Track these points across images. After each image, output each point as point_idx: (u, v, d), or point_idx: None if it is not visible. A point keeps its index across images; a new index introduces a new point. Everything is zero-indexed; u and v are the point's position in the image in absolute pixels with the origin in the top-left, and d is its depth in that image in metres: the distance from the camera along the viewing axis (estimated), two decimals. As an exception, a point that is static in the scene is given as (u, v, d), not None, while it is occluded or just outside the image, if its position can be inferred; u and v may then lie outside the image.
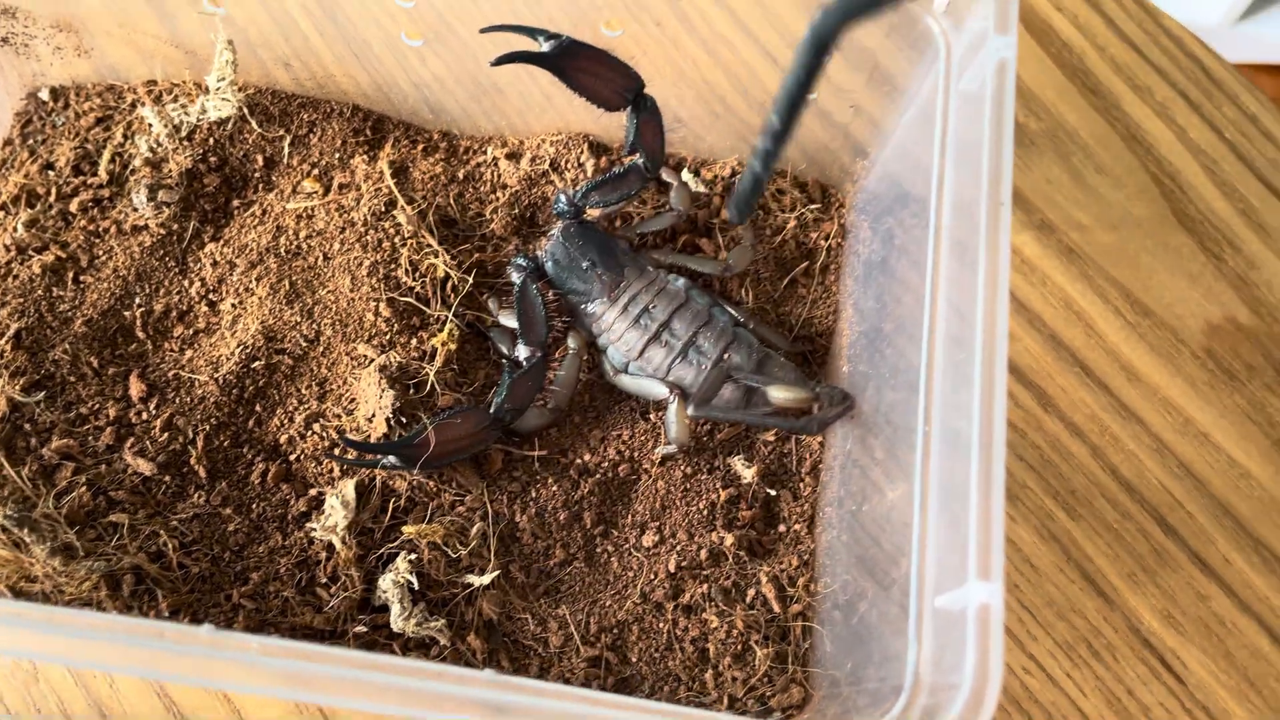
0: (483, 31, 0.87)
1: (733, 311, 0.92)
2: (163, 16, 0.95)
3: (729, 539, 0.87)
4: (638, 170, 0.92)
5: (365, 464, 0.84)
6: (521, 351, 0.87)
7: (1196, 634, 0.91)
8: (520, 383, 0.86)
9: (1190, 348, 1.00)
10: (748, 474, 0.90)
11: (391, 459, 0.83)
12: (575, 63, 0.87)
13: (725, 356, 0.89)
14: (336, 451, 0.86)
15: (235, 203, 0.96)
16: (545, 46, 0.86)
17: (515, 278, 0.91)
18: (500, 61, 0.86)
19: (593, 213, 0.94)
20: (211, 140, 0.96)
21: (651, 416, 0.92)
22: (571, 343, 0.92)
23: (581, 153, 0.98)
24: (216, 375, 0.88)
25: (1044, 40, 1.11)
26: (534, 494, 0.88)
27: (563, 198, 0.91)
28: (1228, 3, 2.20)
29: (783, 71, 0.90)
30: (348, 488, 0.82)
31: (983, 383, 0.63)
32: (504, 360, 0.91)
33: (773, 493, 0.90)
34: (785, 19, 0.90)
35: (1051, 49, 1.10)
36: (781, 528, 0.90)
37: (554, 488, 0.88)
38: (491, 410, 0.85)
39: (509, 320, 0.92)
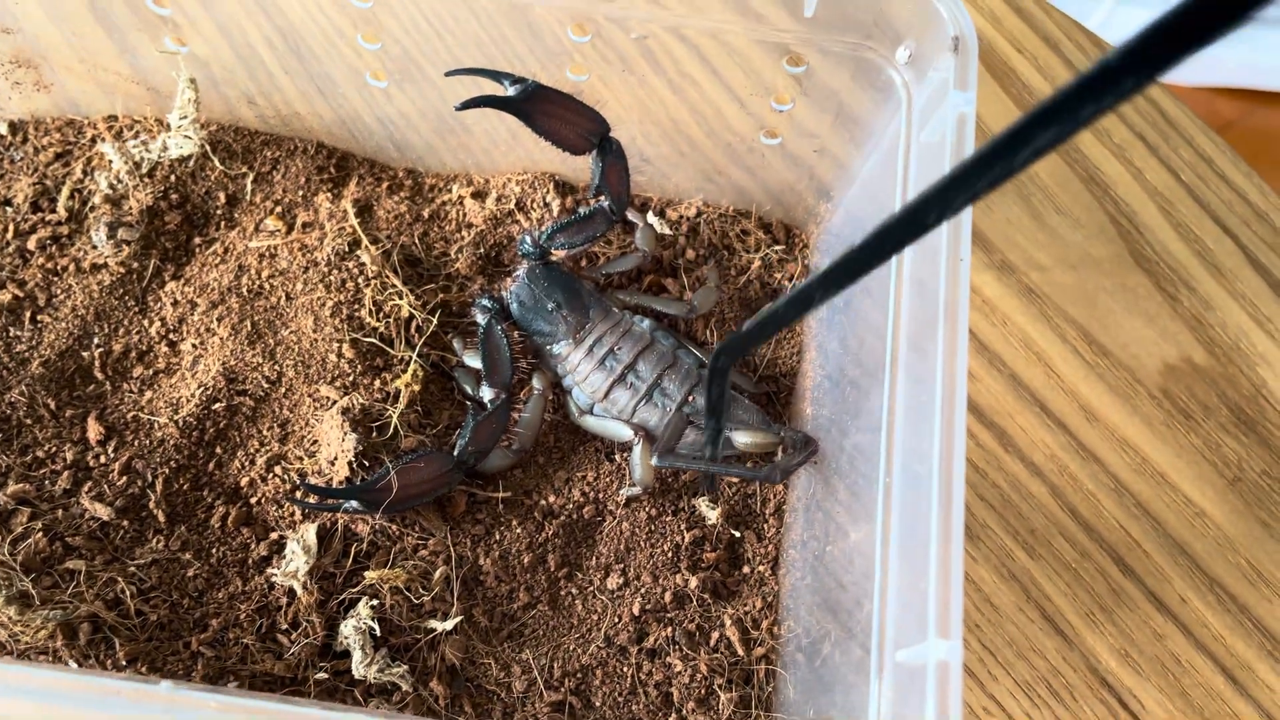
0: (449, 75, 0.88)
1: (698, 353, 0.92)
2: (125, 52, 0.94)
3: (693, 581, 0.87)
4: (603, 212, 0.92)
5: (327, 508, 0.83)
6: (486, 393, 0.87)
7: (1153, 673, 0.92)
8: (484, 425, 0.86)
9: (1147, 387, 1.01)
10: (712, 515, 0.90)
11: (354, 503, 0.82)
12: (541, 106, 0.87)
13: (690, 398, 0.89)
14: (298, 495, 0.85)
15: (197, 241, 0.95)
16: (511, 91, 0.87)
17: (480, 318, 0.91)
18: (466, 106, 0.86)
19: (558, 254, 0.94)
20: (173, 177, 0.95)
21: (616, 457, 0.92)
22: (536, 384, 0.92)
23: (547, 192, 0.98)
24: (176, 417, 0.87)
25: (1005, 82, 1.12)
26: (498, 536, 0.87)
27: (528, 239, 0.92)
28: (1188, 28, 2.24)
29: (747, 111, 0.91)
30: (309, 532, 0.82)
31: (942, 435, 0.64)
32: (468, 401, 0.91)
33: (737, 534, 0.91)
34: (750, 58, 0.90)
35: (1012, 90, 1.12)
36: (745, 569, 0.90)
37: (518, 529, 0.88)
38: (455, 453, 0.85)
39: (473, 361, 0.92)
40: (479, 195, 0.99)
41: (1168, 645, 0.93)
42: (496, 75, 0.87)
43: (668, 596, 0.87)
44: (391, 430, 0.87)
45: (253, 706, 0.59)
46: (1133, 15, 2.28)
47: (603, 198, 0.91)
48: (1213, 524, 0.97)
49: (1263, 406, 1.01)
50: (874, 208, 0.84)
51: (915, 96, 0.78)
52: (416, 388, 0.89)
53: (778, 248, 1.00)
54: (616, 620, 0.86)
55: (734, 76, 0.90)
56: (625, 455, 0.92)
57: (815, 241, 1.00)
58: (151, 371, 0.90)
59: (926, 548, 0.61)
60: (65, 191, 0.95)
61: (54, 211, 0.95)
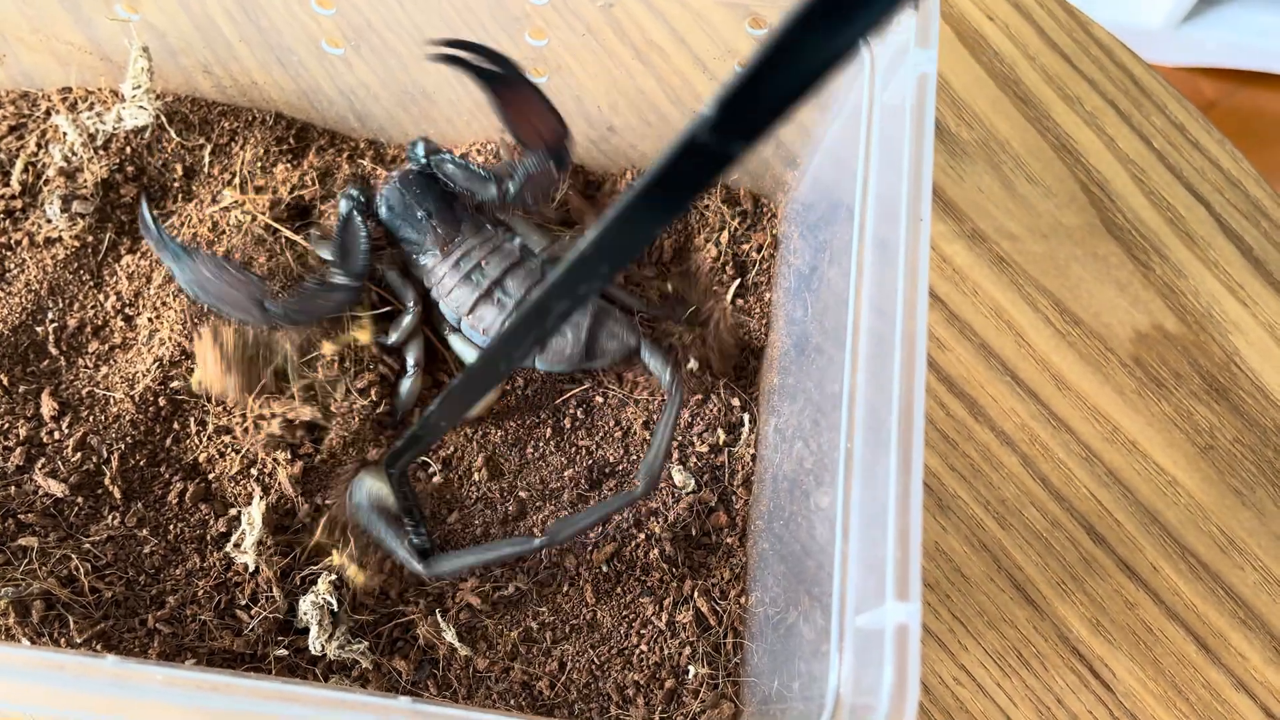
0: (431, 47, 0.85)
1: None
2: (79, 22, 0.92)
3: (668, 550, 0.86)
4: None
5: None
6: (336, 278, 0.85)
7: (1124, 642, 0.91)
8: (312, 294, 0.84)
9: (1118, 356, 1.01)
10: (691, 483, 0.89)
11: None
12: (512, 93, 0.86)
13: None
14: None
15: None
16: (493, 67, 0.84)
17: (343, 207, 0.89)
18: (440, 55, 0.83)
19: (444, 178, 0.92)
20: (129, 149, 0.93)
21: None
22: (409, 302, 0.90)
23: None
24: (132, 392, 0.86)
25: (976, 50, 1.11)
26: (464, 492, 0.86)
27: (420, 146, 0.90)
28: (1169, 6, 2.24)
29: (714, 80, 0.90)
30: (255, 507, 0.80)
31: (902, 396, 0.63)
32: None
33: (712, 504, 0.90)
34: (718, 25, 0.89)
35: (983, 59, 1.11)
36: (713, 539, 0.89)
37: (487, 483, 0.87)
38: (264, 303, 0.82)
39: (324, 250, 0.90)
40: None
41: (1139, 614, 0.92)
42: (484, 51, 0.85)
43: (638, 569, 0.86)
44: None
45: (199, 679, 0.58)
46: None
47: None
48: (1184, 492, 0.96)
49: (1235, 374, 1.01)
50: (839, 174, 0.83)
51: (877, 57, 0.76)
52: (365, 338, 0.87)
53: (740, 219, 0.98)
54: (588, 599, 0.85)
55: (697, 40, 0.89)
56: None
57: (783, 211, 0.99)
58: (107, 346, 0.89)
59: (885, 511, 0.60)
60: (19, 165, 0.93)
61: (7, 185, 0.93)
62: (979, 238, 1.04)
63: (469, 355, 0.91)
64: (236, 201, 0.92)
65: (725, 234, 0.98)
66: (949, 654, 0.90)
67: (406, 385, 0.89)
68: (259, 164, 0.95)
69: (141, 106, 0.91)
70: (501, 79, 0.85)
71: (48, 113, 0.96)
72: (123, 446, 0.84)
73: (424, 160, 0.90)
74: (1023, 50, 1.12)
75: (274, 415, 0.84)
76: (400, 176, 0.90)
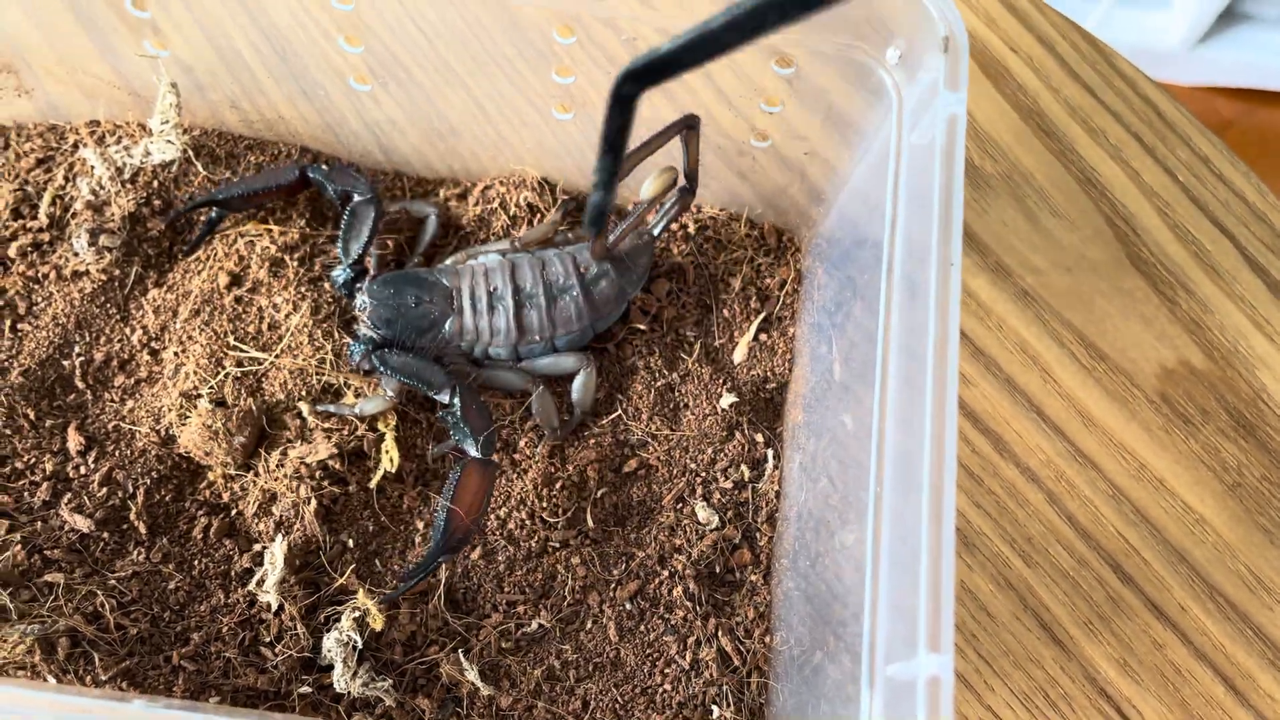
0: None
1: (554, 244, 0.96)
2: (106, 55, 0.93)
3: (692, 588, 0.86)
4: (366, 205, 0.91)
5: (420, 579, 0.82)
6: (442, 397, 0.85)
7: (1152, 683, 0.90)
8: (469, 414, 0.84)
9: (1145, 392, 1.00)
10: (715, 519, 0.89)
11: (443, 558, 0.81)
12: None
13: (584, 270, 0.91)
14: (393, 588, 0.84)
15: (180, 248, 0.94)
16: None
17: (371, 363, 0.88)
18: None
19: (368, 260, 0.93)
20: (156, 183, 0.94)
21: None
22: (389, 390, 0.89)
23: (527, 193, 0.96)
24: (158, 426, 0.86)
25: (1000, 83, 1.11)
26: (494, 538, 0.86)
27: (338, 274, 0.90)
28: (1185, 27, 2.23)
29: (737, 113, 0.90)
30: (277, 546, 0.80)
31: (933, 441, 0.63)
32: (440, 413, 0.88)
33: (735, 541, 0.89)
34: (739, 59, 0.88)
35: (1007, 91, 1.11)
36: (737, 576, 0.88)
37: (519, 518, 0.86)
38: (478, 452, 0.83)
39: (391, 390, 0.88)
40: (463, 197, 0.98)
41: (1167, 654, 0.91)
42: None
43: (661, 606, 0.86)
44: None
45: (227, 723, 0.58)
46: (1129, 15, 2.26)
47: (356, 193, 0.92)
48: (1212, 530, 0.95)
49: (1262, 410, 1.00)
50: (866, 210, 0.83)
51: (906, 97, 0.76)
52: (391, 466, 0.87)
53: (764, 253, 0.98)
54: (611, 637, 0.85)
55: (723, 78, 0.89)
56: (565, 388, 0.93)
57: (807, 245, 0.98)
58: (133, 380, 0.89)
59: (917, 559, 0.60)
60: (47, 198, 0.94)
61: (35, 218, 0.93)
62: (1003, 271, 1.03)
63: (553, 369, 0.92)
64: (259, 234, 0.92)
65: (748, 267, 0.97)
66: (975, 694, 0.89)
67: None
68: (285, 199, 0.95)
69: (169, 141, 0.92)
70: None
71: (75, 146, 0.97)
72: (148, 481, 0.84)
73: (348, 270, 0.90)
74: (1046, 82, 1.11)
75: (292, 459, 0.84)
76: (368, 291, 0.89)
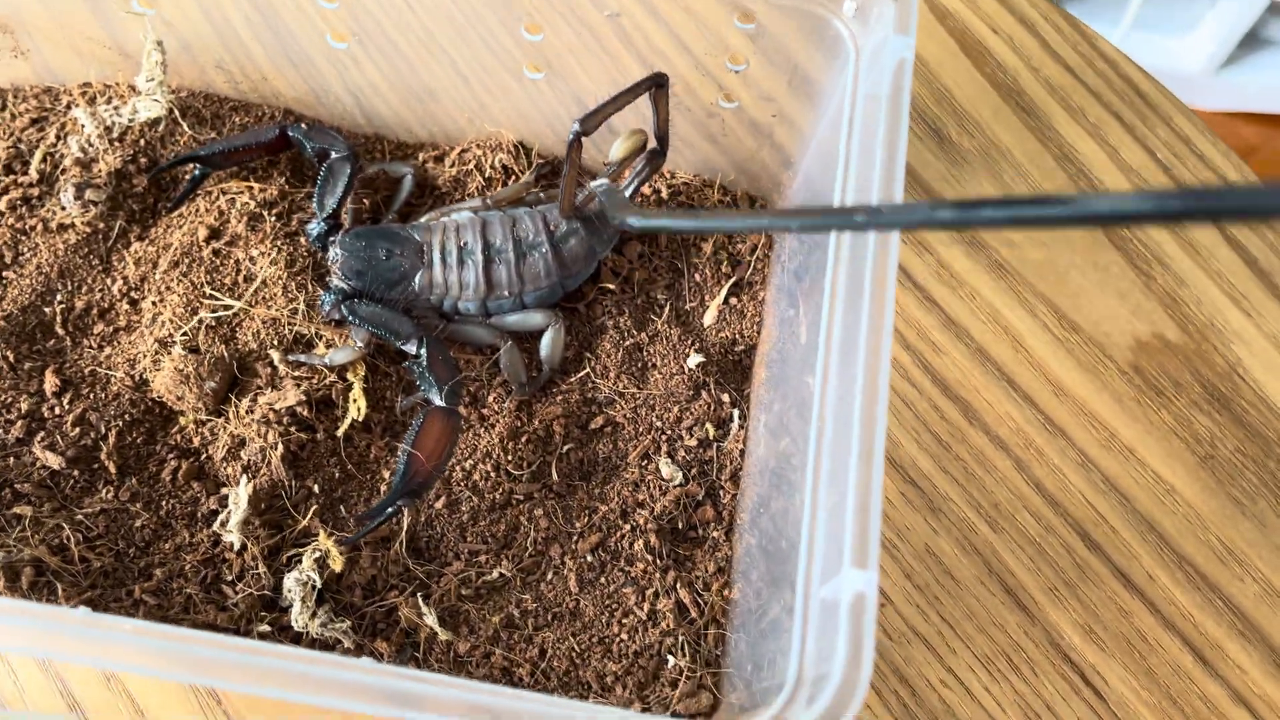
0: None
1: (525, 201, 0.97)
2: (100, 18, 0.96)
3: (653, 542, 0.86)
4: (342, 161, 0.93)
5: (381, 523, 0.82)
6: (409, 347, 0.87)
7: (1118, 650, 0.90)
8: (435, 364, 0.85)
9: (1117, 363, 1.00)
10: (679, 476, 0.89)
11: (401, 502, 0.81)
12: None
13: (553, 228, 0.92)
14: (352, 531, 0.85)
15: (164, 204, 0.97)
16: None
17: (341, 312, 0.89)
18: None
19: (344, 217, 0.95)
20: (143, 141, 0.97)
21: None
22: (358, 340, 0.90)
23: (503, 155, 0.98)
24: (134, 372, 0.88)
25: (979, 61, 1.12)
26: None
27: (311, 228, 0.92)
28: (1209, 51, 2.23)
29: (705, 73, 0.91)
30: (241, 488, 0.82)
31: (866, 368, 0.63)
32: (406, 363, 0.89)
33: (699, 497, 0.90)
34: (706, 18, 0.90)
35: (986, 69, 1.12)
36: (699, 533, 0.89)
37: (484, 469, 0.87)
38: (442, 400, 0.84)
39: (361, 339, 0.89)
40: (440, 159, 1.00)
41: (1134, 622, 0.91)
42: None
43: (622, 559, 0.86)
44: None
45: (166, 631, 0.59)
46: (1150, 40, 2.25)
47: (333, 151, 0.93)
48: (1182, 501, 0.95)
49: (1237, 384, 0.99)
50: (827, 170, 0.83)
51: (862, 50, 0.77)
52: (358, 415, 0.89)
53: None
54: (571, 587, 0.85)
55: (689, 35, 0.90)
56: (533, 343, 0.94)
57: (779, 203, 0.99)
58: (112, 329, 0.91)
59: (847, 482, 0.60)
60: (38, 155, 0.97)
61: (26, 174, 0.96)
62: (977, 244, 1.04)
63: (521, 325, 0.93)
64: (240, 190, 0.95)
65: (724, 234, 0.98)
66: (936, 656, 0.89)
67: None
68: (267, 158, 0.98)
69: (155, 99, 0.95)
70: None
71: (69, 106, 1.00)
72: (120, 424, 0.86)
73: (322, 224, 0.92)
74: (1026, 62, 1.12)
75: (261, 405, 0.86)
76: (339, 243, 0.91)
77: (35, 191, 0.96)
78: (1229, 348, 1.00)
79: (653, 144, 0.93)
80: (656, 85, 0.87)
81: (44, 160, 0.97)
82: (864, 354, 0.63)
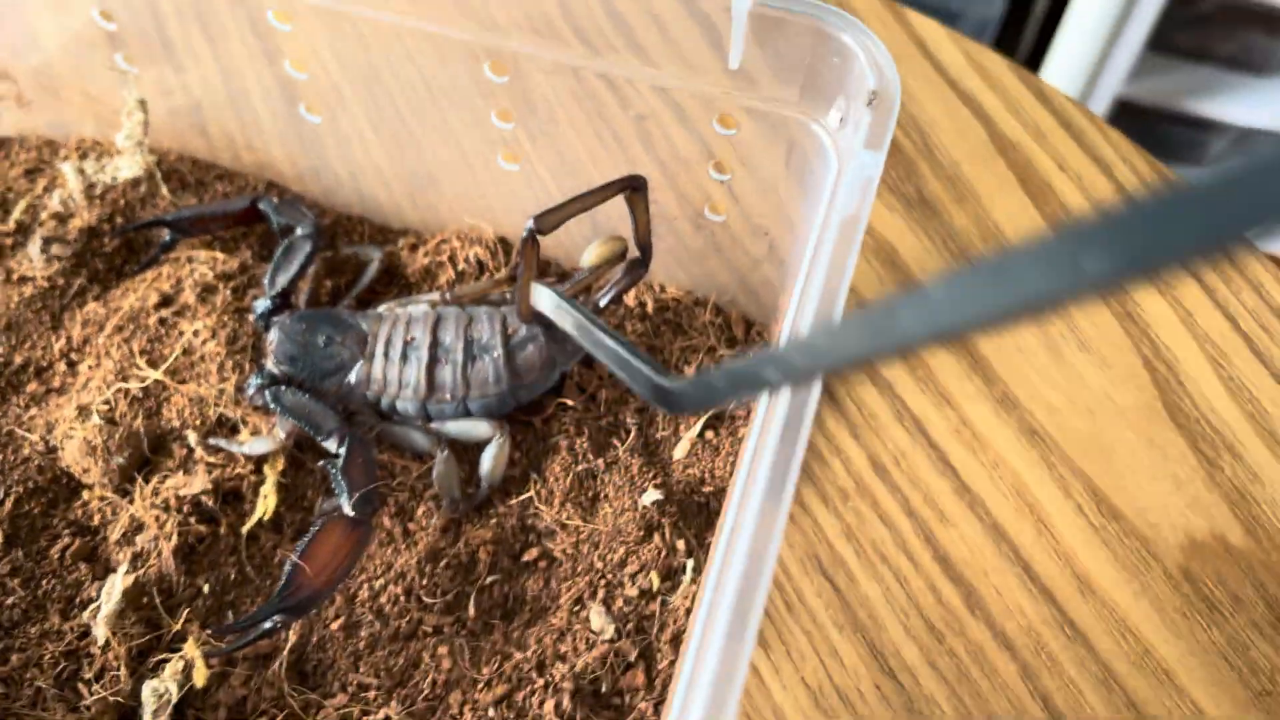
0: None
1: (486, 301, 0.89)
2: (87, 75, 0.94)
3: (566, 705, 0.74)
4: (304, 240, 0.87)
5: (256, 638, 0.73)
6: (329, 444, 0.79)
7: None
8: (351, 466, 0.77)
9: (1164, 564, 0.83)
10: (610, 629, 0.78)
11: (278, 618, 0.72)
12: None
13: (511, 332, 0.84)
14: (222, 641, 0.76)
15: (131, 266, 0.93)
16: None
17: (264, 399, 0.82)
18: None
19: (297, 297, 0.89)
20: (122, 201, 0.93)
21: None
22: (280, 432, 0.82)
23: (477, 249, 0.91)
24: (49, 437, 0.82)
25: (1040, 202, 1.00)
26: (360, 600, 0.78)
27: (258, 304, 0.85)
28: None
29: (697, 185, 0.82)
30: (118, 577, 0.74)
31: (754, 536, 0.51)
32: (323, 462, 0.81)
33: (630, 658, 0.78)
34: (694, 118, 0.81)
35: (1047, 209, 0.99)
36: (624, 701, 0.76)
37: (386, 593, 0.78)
38: (349, 510, 0.75)
39: (284, 431, 0.82)
40: (415, 248, 0.94)
41: None
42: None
43: (529, 719, 0.74)
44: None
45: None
46: None
47: (298, 228, 0.88)
48: (1227, 745, 0.77)
49: (1313, 608, 0.81)
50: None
51: (844, 165, 0.67)
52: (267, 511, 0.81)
53: (728, 345, 0.89)
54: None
55: (676, 139, 0.82)
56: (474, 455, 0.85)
57: (776, 339, 0.88)
58: (45, 389, 0.86)
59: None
60: (21, 205, 0.95)
61: (5, 223, 0.94)
62: (1009, 403, 0.90)
63: (462, 433, 0.85)
64: (205, 260, 0.90)
65: (707, 357, 0.88)
66: None
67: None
68: (240, 229, 0.93)
69: (134, 159, 0.92)
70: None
71: (65, 159, 0.98)
72: (21, 490, 0.80)
73: (272, 300, 0.85)
74: (1097, 206, 0.99)
75: (166, 489, 0.79)
76: (280, 326, 0.84)
77: (9, 241, 0.93)
78: (1307, 562, 0.83)
79: (634, 253, 0.84)
80: (633, 189, 0.78)
81: (25, 211, 0.94)
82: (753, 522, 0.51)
